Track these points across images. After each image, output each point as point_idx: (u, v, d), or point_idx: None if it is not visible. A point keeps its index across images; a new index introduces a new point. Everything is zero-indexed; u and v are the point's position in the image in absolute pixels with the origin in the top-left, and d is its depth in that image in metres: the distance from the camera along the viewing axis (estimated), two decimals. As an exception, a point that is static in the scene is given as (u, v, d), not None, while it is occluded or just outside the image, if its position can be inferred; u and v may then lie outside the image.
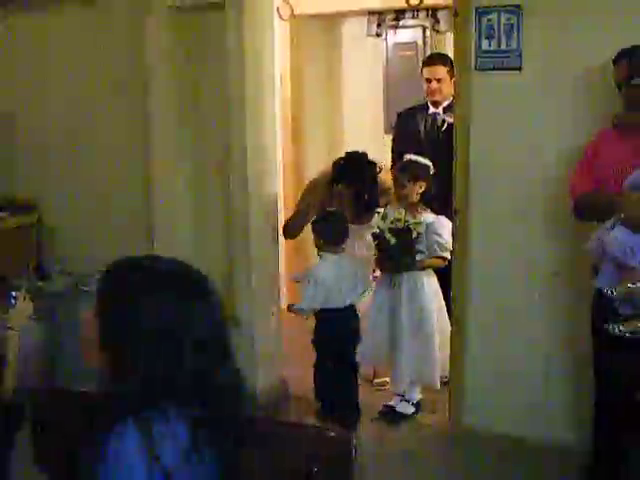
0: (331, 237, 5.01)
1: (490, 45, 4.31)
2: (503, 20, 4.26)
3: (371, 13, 7.07)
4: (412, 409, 5.11)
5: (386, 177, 5.32)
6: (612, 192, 3.68)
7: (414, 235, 4.80)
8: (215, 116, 5.31)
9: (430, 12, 6.76)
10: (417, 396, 5.16)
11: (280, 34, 6.80)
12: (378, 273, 5.24)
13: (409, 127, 5.73)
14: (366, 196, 5.23)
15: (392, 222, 4.84)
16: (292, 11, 6.85)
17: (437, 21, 6.77)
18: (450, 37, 5.76)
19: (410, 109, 5.83)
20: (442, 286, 5.06)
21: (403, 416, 5.07)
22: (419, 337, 4.97)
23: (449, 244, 4.83)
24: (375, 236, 4.95)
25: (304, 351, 5.25)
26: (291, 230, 5.56)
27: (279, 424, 2.64)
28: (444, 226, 4.91)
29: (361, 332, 5.14)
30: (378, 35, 7.08)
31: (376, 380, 5.60)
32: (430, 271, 5.04)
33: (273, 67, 5.37)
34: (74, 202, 5.69)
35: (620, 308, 3.62)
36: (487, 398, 4.64)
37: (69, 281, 5.29)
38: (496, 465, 4.44)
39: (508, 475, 4.36)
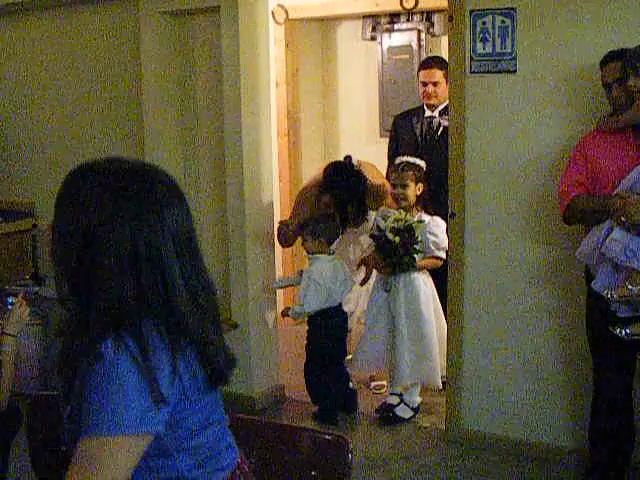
0: (326, 237, 5.04)
1: (484, 48, 4.32)
2: (497, 23, 4.27)
3: (366, 17, 7.06)
4: (411, 413, 5.11)
5: (383, 181, 5.33)
6: (606, 195, 3.68)
7: (416, 234, 4.83)
8: (210, 121, 5.32)
9: (425, 15, 6.76)
10: (417, 399, 5.16)
11: (275, 38, 6.81)
12: (375, 274, 5.24)
13: (405, 130, 5.74)
14: (350, 207, 5.24)
15: (394, 222, 4.85)
16: (287, 15, 6.85)
17: (432, 24, 6.77)
18: (445, 40, 5.76)
19: (406, 112, 5.84)
20: (437, 285, 5.08)
21: (401, 419, 5.07)
22: (418, 339, 4.97)
23: (445, 244, 4.85)
24: (375, 237, 4.96)
25: (299, 356, 5.25)
26: (283, 240, 5.53)
27: (277, 428, 2.64)
28: (439, 226, 4.93)
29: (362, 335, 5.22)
30: (373, 39, 7.07)
31: (374, 383, 5.60)
32: (426, 272, 5.05)
33: (268, 71, 5.38)
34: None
35: (618, 311, 3.62)
36: (484, 401, 4.65)
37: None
38: (493, 468, 4.45)
39: (506, 478, 4.36)
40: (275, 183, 6.39)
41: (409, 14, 6.72)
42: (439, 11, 6.54)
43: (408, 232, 4.85)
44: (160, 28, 5.30)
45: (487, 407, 4.65)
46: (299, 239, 5.38)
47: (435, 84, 5.55)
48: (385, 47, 6.96)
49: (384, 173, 5.52)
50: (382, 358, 5.14)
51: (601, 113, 3.92)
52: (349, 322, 5.35)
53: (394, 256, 4.88)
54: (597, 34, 4.05)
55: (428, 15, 6.76)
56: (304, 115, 7.25)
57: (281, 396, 5.54)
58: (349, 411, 5.20)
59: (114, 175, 1.89)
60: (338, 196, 5.21)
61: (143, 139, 5.38)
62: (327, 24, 7.40)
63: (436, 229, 4.94)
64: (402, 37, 6.88)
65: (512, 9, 4.22)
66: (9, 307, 3.64)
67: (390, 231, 4.86)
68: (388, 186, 5.18)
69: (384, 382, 5.49)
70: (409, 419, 5.09)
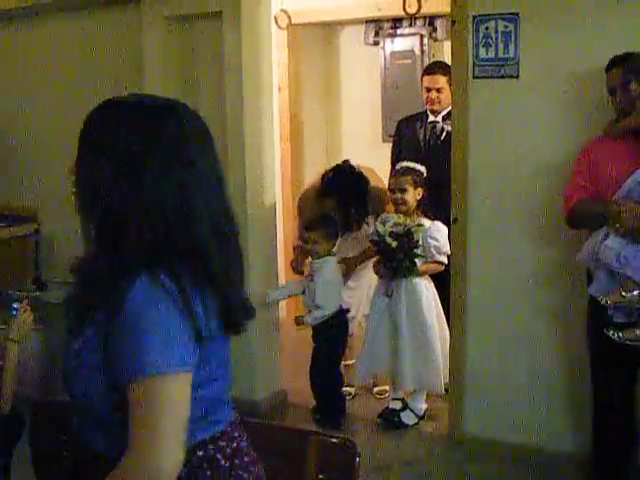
0: (334, 238, 5.09)
1: (487, 53, 4.32)
2: (500, 28, 4.27)
3: (369, 22, 7.07)
4: (415, 420, 5.11)
5: (383, 186, 5.33)
6: (606, 201, 3.68)
7: (416, 238, 4.82)
8: (213, 126, 5.30)
9: (427, 20, 6.76)
10: (423, 406, 5.16)
11: (278, 43, 6.81)
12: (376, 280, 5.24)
13: (409, 135, 5.74)
14: (353, 210, 5.25)
15: (392, 226, 4.85)
16: (290, 20, 6.86)
17: (435, 29, 6.77)
18: (448, 45, 5.76)
19: (410, 117, 5.84)
20: (439, 290, 5.08)
21: (405, 425, 5.06)
22: (420, 345, 4.97)
23: (446, 248, 4.85)
24: (375, 242, 4.96)
25: (302, 361, 5.25)
26: (301, 264, 5.55)
27: (284, 431, 2.64)
28: (440, 230, 4.93)
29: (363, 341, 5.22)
30: (376, 43, 7.08)
31: (376, 388, 5.59)
32: (427, 277, 5.05)
33: (271, 76, 5.38)
34: (73, 212, 5.69)
35: (614, 316, 3.65)
36: (487, 406, 4.64)
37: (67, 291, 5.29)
38: (496, 473, 4.44)
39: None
40: (277, 187, 6.39)
41: (412, 19, 6.72)
42: (442, 16, 6.54)
43: (407, 236, 4.84)
44: (163, 33, 5.30)
45: (489, 412, 4.64)
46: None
47: (439, 90, 5.55)
48: (388, 52, 6.97)
49: (388, 177, 5.51)
50: (384, 363, 5.13)
51: (607, 118, 3.92)
52: (350, 327, 5.34)
53: (393, 261, 4.88)
54: (600, 39, 4.04)
55: (431, 20, 6.77)
56: (306, 120, 7.26)
57: (283, 401, 5.53)
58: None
59: (146, 110, 1.89)
60: (341, 199, 5.21)
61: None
62: (330, 29, 7.41)
63: (437, 234, 4.93)
64: (405, 42, 6.88)
65: (515, 14, 4.22)
66: (13, 313, 3.63)
67: (389, 236, 4.85)
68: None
69: (386, 387, 5.48)
70: (413, 425, 5.09)
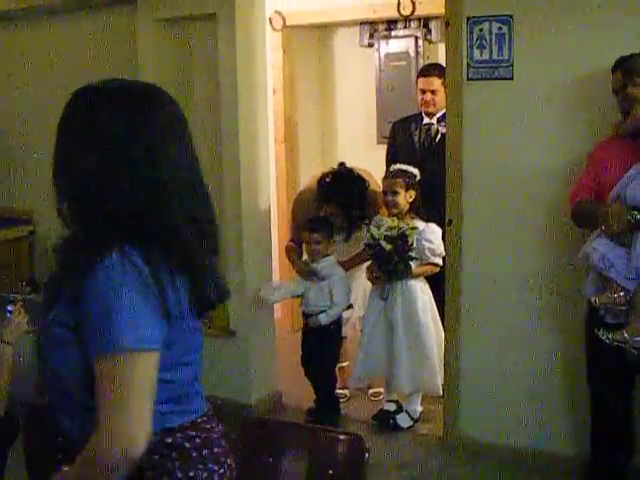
0: (331, 238, 5.10)
1: (482, 55, 4.32)
2: (495, 30, 4.27)
3: (363, 23, 7.06)
4: (411, 423, 5.12)
5: (378, 188, 5.33)
6: (599, 202, 3.70)
7: (410, 241, 4.82)
8: (207, 128, 5.31)
9: (422, 22, 6.76)
10: (418, 409, 5.17)
11: (272, 45, 6.81)
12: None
13: (403, 137, 5.74)
14: (354, 213, 5.24)
15: (387, 230, 4.85)
16: (284, 22, 6.86)
17: (429, 31, 6.77)
18: (442, 47, 5.76)
19: (404, 119, 5.84)
20: (434, 292, 5.08)
21: (400, 427, 5.06)
22: (416, 347, 4.97)
23: (440, 250, 4.85)
24: (370, 245, 4.96)
25: (297, 363, 5.24)
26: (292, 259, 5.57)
27: (293, 427, 2.65)
28: (434, 232, 4.93)
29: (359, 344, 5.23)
30: (370, 45, 7.08)
31: (371, 390, 5.59)
32: (423, 279, 5.05)
33: (265, 78, 5.38)
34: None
35: (605, 317, 3.68)
36: (482, 408, 4.64)
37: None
38: (492, 475, 4.44)
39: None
40: (272, 189, 6.38)
41: (406, 21, 6.72)
42: (436, 18, 6.54)
43: (402, 239, 4.84)
44: (157, 35, 5.29)
45: (485, 414, 4.64)
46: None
47: (433, 92, 5.55)
48: (382, 54, 6.97)
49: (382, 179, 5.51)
50: (380, 367, 5.12)
51: (604, 119, 3.95)
52: (344, 329, 5.34)
53: (389, 264, 4.88)
54: (594, 41, 4.05)
55: (425, 22, 6.77)
56: (301, 122, 7.26)
57: (278, 403, 5.53)
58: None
59: (126, 95, 1.93)
60: (341, 203, 5.20)
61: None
62: (324, 31, 7.41)
63: (431, 235, 4.93)
64: (399, 44, 6.88)
65: (509, 16, 4.22)
66: (7, 315, 3.62)
67: (383, 239, 4.85)
68: None
69: (381, 389, 5.48)
70: (408, 428, 5.09)
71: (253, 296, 5.28)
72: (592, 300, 3.66)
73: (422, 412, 5.18)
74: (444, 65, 4.79)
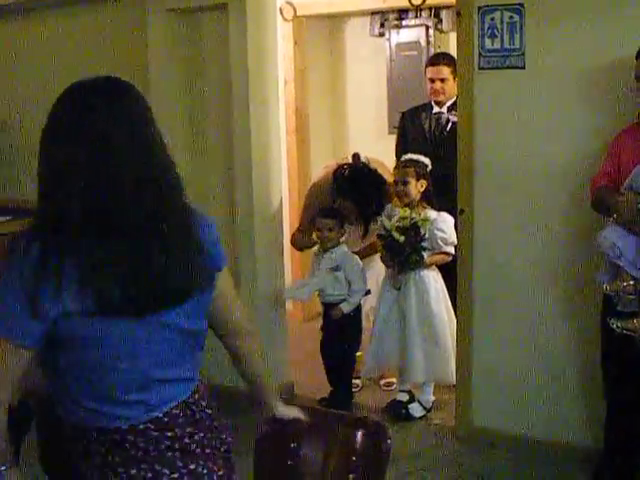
0: (342, 227, 5.10)
1: (493, 44, 4.31)
2: (506, 19, 4.25)
3: (374, 13, 7.05)
4: (423, 412, 5.12)
5: (390, 178, 5.32)
6: (615, 191, 3.69)
7: (422, 232, 4.82)
8: (219, 119, 5.32)
9: (433, 11, 6.74)
10: (431, 398, 5.17)
11: (283, 35, 6.80)
12: (384, 273, 5.23)
13: (414, 126, 5.73)
14: (369, 209, 5.23)
15: (398, 220, 4.85)
16: (295, 12, 6.85)
17: (440, 20, 6.76)
18: (453, 36, 5.75)
19: (414, 109, 5.83)
20: (446, 280, 5.08)
21: (412, 417, 5.07)
22: (430, 337, 4.97)
23: (453, 239, 4.85)
24: (382, 236, 4.95)
25: (309, 353, 5.25)
26: (299, 245, 5.58)
27: (318, 414, 2.67)
28: (446, 221, 4.92)
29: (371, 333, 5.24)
30: (381, 35, 7.06)
31: (383, 380, 5.59)
32: (435, 268, 5.05)
33: (276, 68, 5.37)
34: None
35: (619, 305, 3.66)
36: (494, 397, 4.63)
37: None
38: (504, 465, 4.44)
39: (517, 476, 4.35)
40: (284, 180, 6.39)
41: (417, 10, 6.71)
42: (447, 7, 6.53)
43: (414, 230, 4.84)
44: (167, 26, 5.29)
45: (497, 404, 4.64)
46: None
47: (443, 80, 5.55)
48: (393, 43, 6.95)
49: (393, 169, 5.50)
50: (393, 357, 5.13)
51: (614, 108, 3.93)
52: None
53: (401, 255, 4.88)
54: (606, 29, 4.03)
55: (436, 11, 6.75)
56: (312, 112, 7.25)
57: (291, 393, 5.54)
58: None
59: (72, 91, 2.05)
60: (357, 200, 5.19)
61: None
62: (335, 21, 7.40)
63: (443, 225, 4.93)
64: (410, 33, 6.87)
65: (520, 5, 4.21)
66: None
67: (395, 230, 4.85)
68: None
69: (394, 379, 5.48)
70: (420, 417, 5.09)
71: (264, 287, 5.28)
72: (604, 287, 3.66)
73: (434, 402, 5.18)
74: (452, 54, 4.78)
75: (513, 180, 4.40)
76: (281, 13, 6.71)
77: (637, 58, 3.76)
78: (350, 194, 5.18)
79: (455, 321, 4.91)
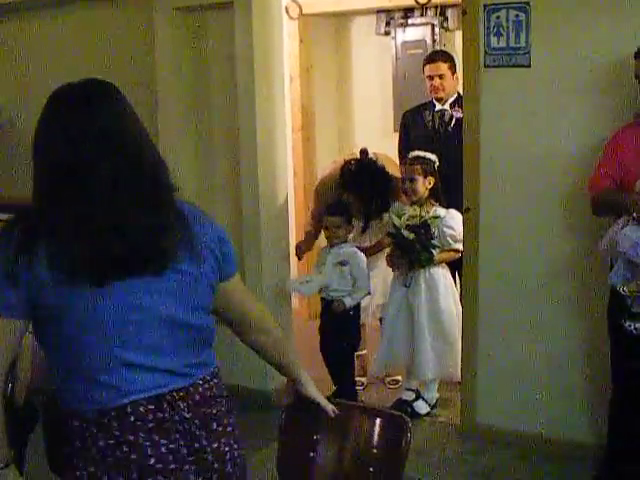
0: (350, 224, 5.11)
1: (499, 42, 4.31)
2: (512, 17, 4.26)
3: (380, 11, 7.06)
4: (428, 409, 5.12)
5: (397, 173, 5.32)
6: (625, 190, 3.67)
7: (432, 230, 4.82)
8: (225, 116, 5.32)
9: (439, 10, 6.75)
10: (435, 395, 5.18)
11: (289, 33, 6.81)
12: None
13: (418, 125, 5.75)
14: (375, 205, 5.24)
15: (409, 219, 4.85)
16: (301, 10, 6.86)
17: (446, 19, 6.76)
18: (459, 35, 5.76)
19: (416, 108, 5.85)
20: (454, 276, 5.09)
21: (417, 414, 5.07)
22: (439, 334, 4.98)
23: (462, 235, 4.84)
24: (392, 234, 4.96)
25: (314, 350, 5.25)
26: (304, 251, 5.60)
27: (339, 406, 2.68)
28: (455, 218, 4.92)
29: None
30: (387, 33, 7.07)
31: (388, 378, 5.61)
32: (444, 265, 5.05)
33: (282, 67, 5.38)
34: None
35: (634, 306, 3.61)
36: (499, 395, 4.64)
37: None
38: (509, 463, 4.44)
39: (521, 473, 4.35)
40: (290, 178, 6.39)
41: (423, 9, 6.72)
42: (453, 6, 6.54)
43: (424, 228, 4.85)
44: (174, 24, 5.30)
45: (502, 402, 4.64)
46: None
47: (441, 77, 5.57)
48: (399, 42, 6.96)
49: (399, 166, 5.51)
50: (403, 355, 5.13)
51: (618, 106, 3.93)
52: (363, 316, 5.33)
53: (412, 253, 4.88)
54: (611, 28, 4.03)
55: (442, 10, 6.76)
56: (318, 110, 7.25)
57: (295, 391, 5.53)
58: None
59: (50, 96, 2.16)
60: (363, 195, 5.20)
61: (157, 135, 5.39)
62: (341, 19, 7.40)
63: (452, 222, 4.93)
64: (416, 32, 6.88)
65: (526, 3, 4.21)
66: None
67: (406, 229, 4.85)
68: None
69: (399, 377, 5.49)
70: (425, 414, 5.10)
71: (270, 285, 5.29)
72: (619, 289, 3.61)
73: (439, 399, 5.19)
74: (458, 52, 4.78)
75: (519, 178, 4.40)
76: (287, 11, 6.72)
77: (636, 58, 3.76)
78: (355, 189, 5.20)
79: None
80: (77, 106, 2.08)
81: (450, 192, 5.01)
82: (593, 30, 4.09)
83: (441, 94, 5.60)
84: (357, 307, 5.14)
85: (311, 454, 2.61)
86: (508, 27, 4.27)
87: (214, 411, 2.22)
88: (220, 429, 2.23)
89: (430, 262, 4.93)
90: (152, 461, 2.08)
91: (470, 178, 4.53)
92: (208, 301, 2.24)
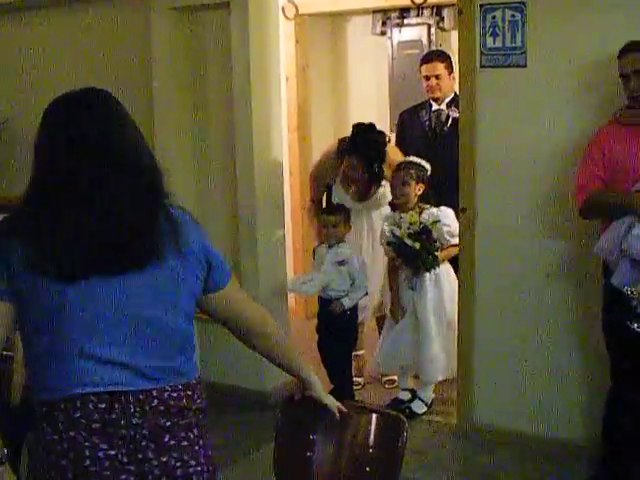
0: (348, 222, 5.10)
1: (495, 42, 4.31)
2: (507, 17, 4.26)
3: (376, 12, 7.06)
4: (425, 409, 5.12)
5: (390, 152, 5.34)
6: (623, 191, 3.66)
7: (434, 234, 4.82)
8: (220, 116, 5.33)
9: (435, 10, 6.76)
10: (431, 395, 5.18)
11: (285, 33, 6.80)
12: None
13: (414, 125, 5.75)
14: (376, 166, 5.24)
15: (408, 227, 4.84)
16: (297, 10, 6.85)
17: (442, 19, 6.77)
18: (455, 35, 5.75)
19: (412, 108, 5.86)
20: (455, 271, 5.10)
21: (414, 414, 5.07)
22: (447, 333, 4.99)
23: (457, 230, 4.83)
24: (393, 244, 4.94)
25: (311, 350, 5.25)
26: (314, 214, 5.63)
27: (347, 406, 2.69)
28: (448, 215, 4.94)
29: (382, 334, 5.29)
30: (383, 33, 7.07)
31: (385, 378, 5.60)
32: (447, 262, 5.06)
33: (278, 66, 5.38)
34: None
35: (638, 307, 3.60)
36: (497, 394, 4.64)
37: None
38: (506, 463, 4.44)
39: (519, 473, 4.36)
40: (286, 178, 6.39)
41: (419, 9, 6.71)
42: (449, 5, 6.54)
43: (425, 234, 4.84)
44: (170, 24, 5.30)
45: (499, 401, 4.64)
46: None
47: (437, 77, 5.58)
48: (395, 42, 6.97)
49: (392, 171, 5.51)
50: (409, 355, 5.11)
51: (615, 105, 3.92)
52: (361, 316, 5.33)
53: (417, 259, 4.87)
54: (608, 27, 4.04)
55: (438, 10, 6.77)
56: (314, 110, 7.25)
57: (292, 390, 5.53)
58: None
59: (49, 105, 2.22)
60: (363, 154, 5.21)
61: (153, 135, 5.39)
62: (337, 19, 7.41)
63: (446, 219, 4.93)
64: (412, 32, 6.88)
65: (522, 3, 4.22)
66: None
67: (408, 237, 4.84)
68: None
69: (395, 377, 5.49)
70: (422, 414, 5.10)
71: (266, 284, 5.29)
72: (626, 290, 3.59)
73: (435, 399, 5.19)
74: (454, 52, 4.78)
75: (515, 178, 4.40)
76: (283, 11, 6.70)
77: (619, 57, 3.76)
78: (354, 150, 5.22)
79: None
80: (77, 113, 2.14)
81: (447, 191, 5.00)
82: (589, 30, 4.09)
83: (438, 94, 5.61)
84: (355, 307, 5.14)
85: (308, 454, 2.62)
86: (504, 27, 4.27)
87: (169, 423, 2.13)
88: (172, 443, 2.14)
89: (435, 264, 4.92)
90: (87, 462, 2.06)
91: (466, 178, 4.53)
92: (188, 304, 2.21)
